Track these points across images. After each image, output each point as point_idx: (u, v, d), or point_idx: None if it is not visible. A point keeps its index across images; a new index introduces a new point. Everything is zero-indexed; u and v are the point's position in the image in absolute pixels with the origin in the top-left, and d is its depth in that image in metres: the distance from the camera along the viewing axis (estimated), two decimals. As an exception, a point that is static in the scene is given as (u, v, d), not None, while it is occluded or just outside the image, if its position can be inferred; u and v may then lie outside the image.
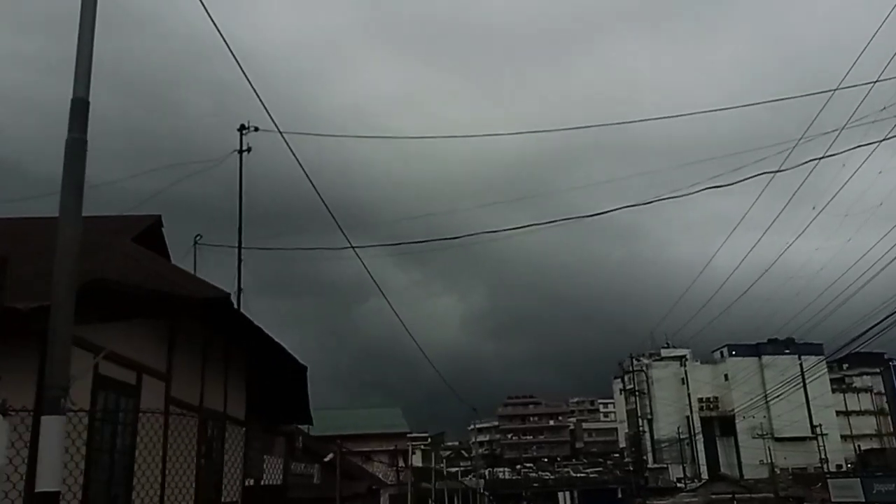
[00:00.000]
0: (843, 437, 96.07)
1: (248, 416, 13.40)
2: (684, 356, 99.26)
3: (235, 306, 15.15)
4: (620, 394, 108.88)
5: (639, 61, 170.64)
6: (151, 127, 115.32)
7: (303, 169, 14.50)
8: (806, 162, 15.22)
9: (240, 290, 18.86)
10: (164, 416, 8.64)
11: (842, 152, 14.93)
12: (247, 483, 13.82)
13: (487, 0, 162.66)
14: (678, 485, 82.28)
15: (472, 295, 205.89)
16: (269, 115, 13.45)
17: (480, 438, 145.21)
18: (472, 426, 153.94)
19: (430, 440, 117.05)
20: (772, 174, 15.15)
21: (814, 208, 22.38)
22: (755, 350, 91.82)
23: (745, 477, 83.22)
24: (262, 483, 14.96)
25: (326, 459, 23.50)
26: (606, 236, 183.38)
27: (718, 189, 15.39)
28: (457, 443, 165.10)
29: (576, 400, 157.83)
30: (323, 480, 22.65)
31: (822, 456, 78.37)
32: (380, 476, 44.78)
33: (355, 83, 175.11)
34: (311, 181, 14.99)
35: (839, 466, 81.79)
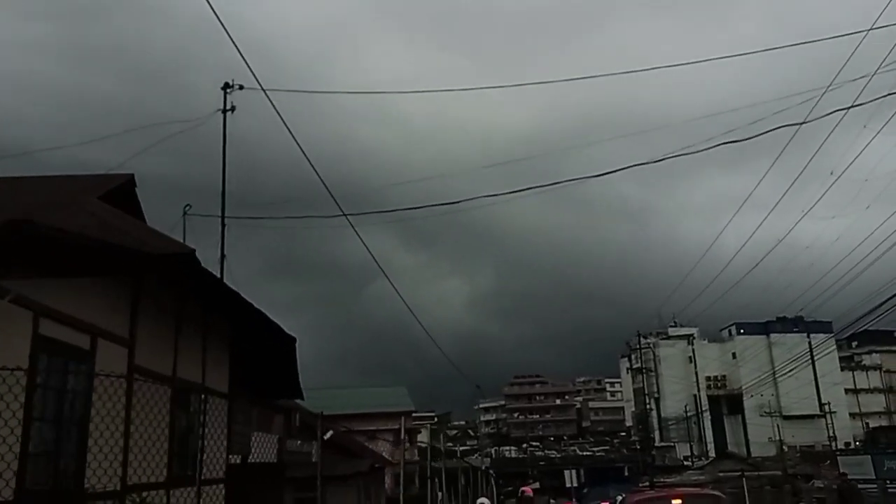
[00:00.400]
0: (852, 415, 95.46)
1: (232, 390, 12.72)
2: (692, 335, 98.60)
3: (219, 276, 14.43)
4: (627, 373, 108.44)
5: (649, 41, 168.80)
6: (164, 113, 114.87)
7: (286, 126, 13.76)
8: (832, 112, 14.29)
9: (223, 256, 18.11)
10: (126, 383, 7.93)
11: (868, 102, 13.98)
12: (232, 460, 13.17)
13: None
14: (685, 463, 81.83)
15: (478, 276, 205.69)
16: (252, 72, 12.68)
17: (487, 418, 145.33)
18: (478, 406, 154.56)
19: (436, 419, 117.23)
20: (796, 126, 14.22)
21: (832, 173, 21.45)
22: (763, 328, 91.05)
23: (753, 455, 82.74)
24: (251, 460, 14.32)
25: (325, 437, 22.92)
26: (615, 217, 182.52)
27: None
28: (463, 422, 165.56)
29: (582, 379, 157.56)
30: (321, 458, 22.07)
31: (831, 433, 77.75)
32: (384, 455, 44.37)
33: (364, 65, 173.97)
34: (295, 139, 14.27)
35: (847, 444, 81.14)
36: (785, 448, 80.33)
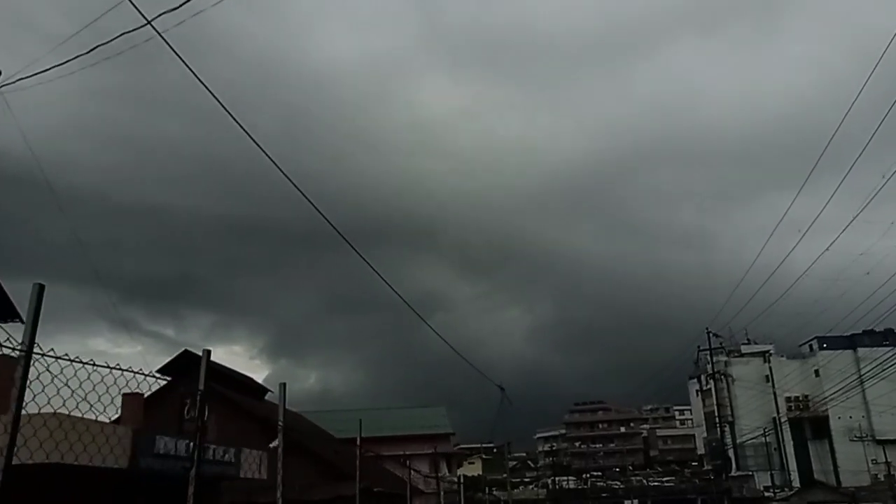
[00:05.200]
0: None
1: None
2: (767, 351, 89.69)
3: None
4: (697, 395, 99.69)
5: (699, 66, 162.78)
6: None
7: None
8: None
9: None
10: None
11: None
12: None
13: (542, 10, 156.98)
14: (766, 494, 73.06)
15: (539, 307, 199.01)
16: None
17: (546, 448, 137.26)
18: (537, 435, 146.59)
19: (495, 451, 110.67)
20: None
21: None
22: (849, 342, 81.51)
23: (844, 484, 73.59)
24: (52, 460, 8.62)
25: (273, 445, 16.85)
26: (675, 244, 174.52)
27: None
28: (524, 454, 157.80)
29: (649, 407, 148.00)
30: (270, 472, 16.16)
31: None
32: (413, 482, 38.18)
33: (416, 101, 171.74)
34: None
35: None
36: (881, 477, 71.36)
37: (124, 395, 12.37)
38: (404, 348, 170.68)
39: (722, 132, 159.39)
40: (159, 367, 25.79)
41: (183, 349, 26.06)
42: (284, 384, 13.65)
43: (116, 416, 14.29)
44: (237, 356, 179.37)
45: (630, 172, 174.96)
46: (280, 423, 14.20)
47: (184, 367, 25.84)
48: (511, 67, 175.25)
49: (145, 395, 15.31)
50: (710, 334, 59.16)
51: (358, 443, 17.20)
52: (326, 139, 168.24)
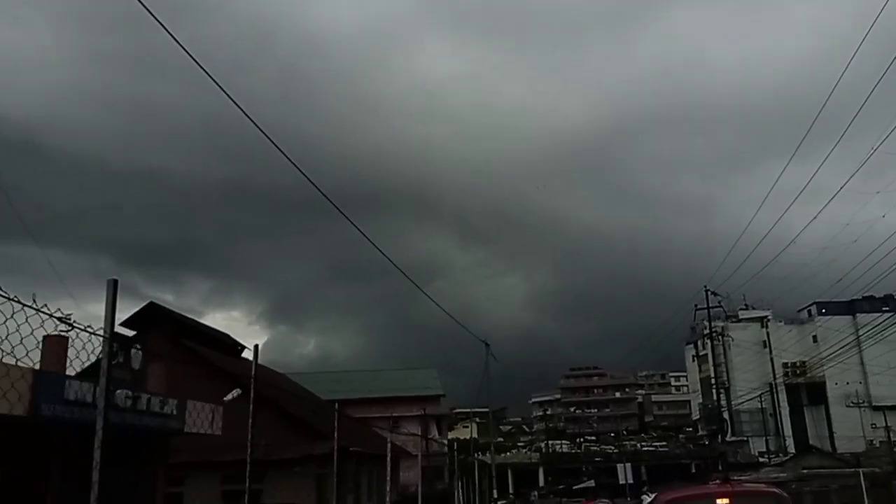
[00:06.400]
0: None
1: None
2: (765, 317, 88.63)
3: None
4: (693, 361, 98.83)
5: (702, 31, 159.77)
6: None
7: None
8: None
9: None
10: None
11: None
12: None
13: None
14: (761, 459, 72.38)
15: (537, 274, 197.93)
16: None
17: (541, 412, 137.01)
18: (532, 400, 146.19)
19: (490, 415, 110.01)
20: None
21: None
22: (848, 308, 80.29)
23: (839, 451, 72.91)
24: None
25: (227, 398, 15.65)
26: (676, 211, 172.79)
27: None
28: (519, 419, 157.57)
29: (645, 373, 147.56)
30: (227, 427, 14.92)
31: (933, 425, 67.39)
32: (402, 445, 37.27)
33: (416, 65, 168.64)
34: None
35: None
36: (876, 443, 70.53)
37: (45, 337, 10.93)
38: (404, 315, 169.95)
39: (724, 98, 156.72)
40: (124, 319, 24.47)
41: (148, 301, 24.67)
42: (257, 345, 12.86)
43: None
44: (236, 322, 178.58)
45: (631, 138, 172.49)
46: (253, 380, 12.75)
47: (150, 320, 24.51)
48: (512, 32, 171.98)
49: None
50: (709, 292, 57.75)
51: (336, 406, 15.95)
52: (326, 103, 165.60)
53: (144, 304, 23.75)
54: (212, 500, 19.11)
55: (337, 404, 16.29)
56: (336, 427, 14.67)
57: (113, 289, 5.91)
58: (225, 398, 15.26)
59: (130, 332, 21.79)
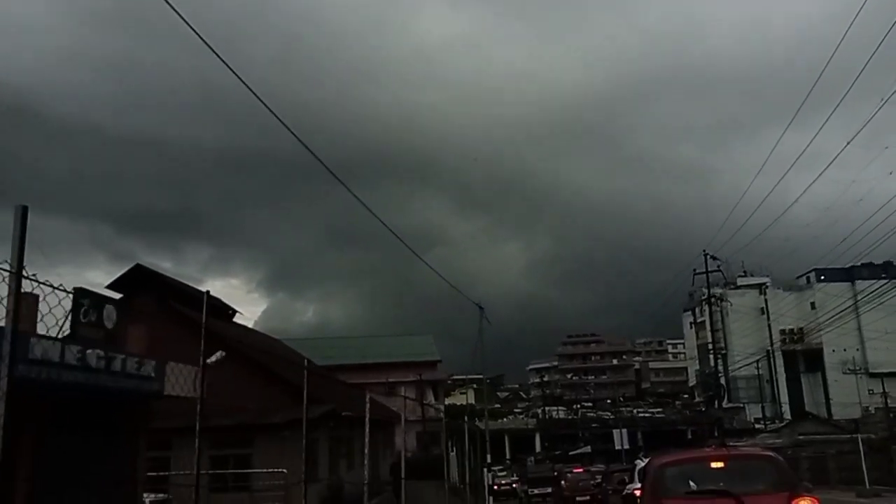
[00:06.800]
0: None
1: None
2: (764, 283, 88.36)
3: None
4: (690, 327, 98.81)
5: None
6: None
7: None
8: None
9: None
10: None
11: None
12: None
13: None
14: (757, 426, 72.64)
15: (536, 242, 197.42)
16: None
17: (538, 379, 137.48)
18: (529, 367, 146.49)
19: (488, 382, 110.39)
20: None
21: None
22: (847, 274, 79.93)
23: (835, 417, 73.12)
24: None
25: (211, 360, 15.03)
26: (676, 178, 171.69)
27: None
28: (517, 386, 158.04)
29: (642, 340, 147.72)
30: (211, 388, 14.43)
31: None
32: (398, 410, 36.94)
33: (415, 28, 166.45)
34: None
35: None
36: (871, 409, 70.63)
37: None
38: (403, 283, 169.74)
39: (726, 63, 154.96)
40: (111, 281, 23.96)
41: (135, 263, 24.16)
42: (208, 291, 12.38)
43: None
44: (235, 289, 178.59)
45: (631, 105, 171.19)
46: (203, 329, 12.32)
47: (138, 282, 23.99)
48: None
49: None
50: (708, 256, 57.17)
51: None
52: (325, 68, 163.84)
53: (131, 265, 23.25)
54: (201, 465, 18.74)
55: (307, 361, 15.96)
56: (305, 385, 14.42)
57: (21, 216, 5.18)
58: (209, 360, 14.71)
59: (117, 295, 21.31)
